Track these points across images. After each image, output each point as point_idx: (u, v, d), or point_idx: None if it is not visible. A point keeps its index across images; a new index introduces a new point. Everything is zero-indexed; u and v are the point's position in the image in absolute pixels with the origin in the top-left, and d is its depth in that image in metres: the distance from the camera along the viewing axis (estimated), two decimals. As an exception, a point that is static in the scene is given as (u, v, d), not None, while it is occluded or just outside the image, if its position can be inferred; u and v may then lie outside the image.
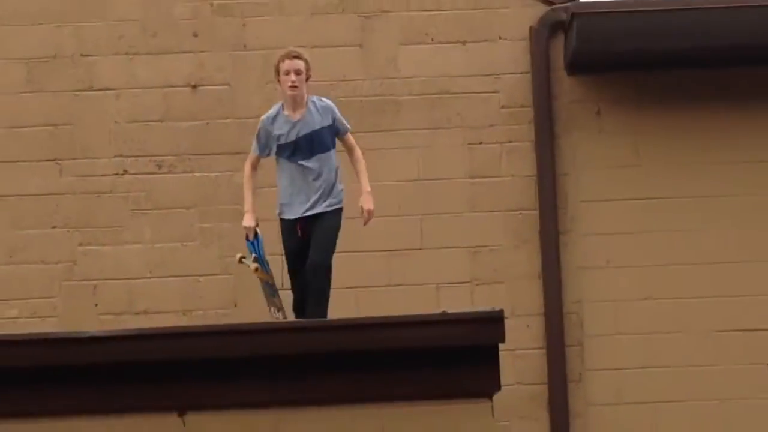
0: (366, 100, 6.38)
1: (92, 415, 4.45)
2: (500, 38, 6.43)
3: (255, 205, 5.28)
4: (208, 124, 6.46)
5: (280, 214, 5.25)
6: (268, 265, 5.48)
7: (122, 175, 6.30)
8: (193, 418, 4.44)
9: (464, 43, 6.44)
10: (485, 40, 6.45)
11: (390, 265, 6.31)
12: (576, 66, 6.40)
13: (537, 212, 6.37)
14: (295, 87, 5.16)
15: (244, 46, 6.56)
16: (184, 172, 6.11)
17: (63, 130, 6.33)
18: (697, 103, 6.46)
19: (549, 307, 6.26)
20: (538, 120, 6.42)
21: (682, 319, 6.22)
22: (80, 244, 6.24)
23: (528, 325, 6.15)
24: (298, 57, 5.22)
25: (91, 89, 6.38)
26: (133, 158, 6.34)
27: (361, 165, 5.38)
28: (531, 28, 6.43)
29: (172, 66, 6.33)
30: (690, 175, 6.42)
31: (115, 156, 6.32)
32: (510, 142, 6.44)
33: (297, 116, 5.21)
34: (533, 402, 6.17)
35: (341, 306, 5.71)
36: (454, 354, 4.45)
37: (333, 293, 5.86)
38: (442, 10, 6.44)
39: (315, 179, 5.23)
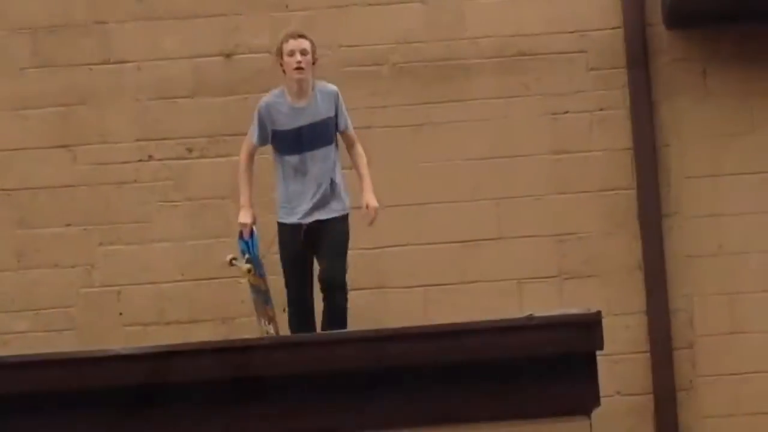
0: (430, 66, 6.22)
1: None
2: (584, -12, 6.35)
3: (252, 200, 5.29)
4: (246, 98, 6.05)
5: (279, 218, 5.23)
6: (263, 268, 5.39)
7: (147, 161, 6.09)
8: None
9: (544, -7, 6.36)
10: (568, -8, 6.23)
11: (463, 259, 6.08)
12: (676, 18, 6.19)
13: (634, 192, 6.13)
14: (302, 69, 5.14)
15: (286, 7, 6.39)
16: (218, 156, 5.85)
17: (76, 111, 6.09)
18: None
19: (652, 304, 6.02)
20: (633, 83, 6.23)
21: (811, 314, 6.08)
22: (100, 244, 6.03)
23: (627, 326, 5.93)
24: (303, 36, 5.24)
25: (107, 62, 6.16)
26: (158, 141, 6.11)
27: (363, 160, 5.39)
28: (624, -22, 6.46)
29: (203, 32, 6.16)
30: None
31: (137, 140, 6.11)
32: (600, 110, 6.18)
33: (301, 103, 5.22)
34: (636, 415, 5.93)
35: (408, 308, 5.90)
36: (544, 364, 4.46)
37: (399, 293, 6.12)
38: (516, -46, 6.45)
39: (316, 175, 5.20)
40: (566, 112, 6.18)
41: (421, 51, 6.26)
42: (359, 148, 5.36)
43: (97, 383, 4.39)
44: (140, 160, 6.09)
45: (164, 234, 6.00)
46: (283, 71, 5.27)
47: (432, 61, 6.24)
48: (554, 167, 6.15)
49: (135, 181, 6.08)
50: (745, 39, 6.25)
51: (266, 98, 5.34)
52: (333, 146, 5.29)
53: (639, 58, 6.27)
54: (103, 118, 6.13)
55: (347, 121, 5.37)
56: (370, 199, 5.19)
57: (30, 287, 5.98)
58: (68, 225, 6.00)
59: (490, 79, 6.23)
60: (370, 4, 6.24)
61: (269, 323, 5.44)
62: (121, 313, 5.96)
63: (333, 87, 5.34)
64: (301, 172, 5.21)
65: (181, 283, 5.98)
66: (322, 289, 5.12)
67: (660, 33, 6.24)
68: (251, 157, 5.29)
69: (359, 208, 5.20)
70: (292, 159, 5.20)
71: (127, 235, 6.02)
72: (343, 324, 5.16)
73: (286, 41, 5.19)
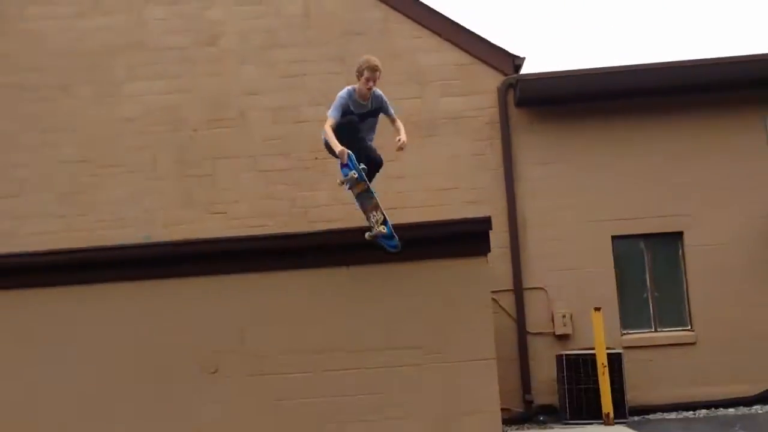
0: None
1: (290, 270, 6.36)
2: (484, 91, 10.04)
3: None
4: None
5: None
6: (362, 173, 5.95)
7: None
8: (356, 270, 6.29)
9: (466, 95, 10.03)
10: (477, 93, 10.04)
11: (437, 200, 9.63)
12: (522, 102, 9.76)
13: (502, 177, 9.69)
14: (371, 89, 6.25)
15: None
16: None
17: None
18: (593, 123, 9.71)
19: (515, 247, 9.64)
20: (503, 130, 9.84)
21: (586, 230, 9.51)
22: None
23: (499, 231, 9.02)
24: (378, 69, 6.18)
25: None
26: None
27: (401, 125, 6.47)
28: (498, 87, 9.96)
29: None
30: (587, 162, 9.64)
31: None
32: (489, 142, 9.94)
33: (364, 101, 6.30)
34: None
35: (414, 216, 8.43)
36: (469, 236, 6.63)
37: (413, 211, 9.19)
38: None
39: (364, 136, 6.35)
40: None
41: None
42: (399, 121, 6.49)
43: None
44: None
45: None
46: (358, 80, 6.20)
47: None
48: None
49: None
50: (556, 113, 9.67)
51: (346, 90, 6.21)
52: (374, 125, 6.46)
53: (504, 120, 9.74)
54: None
55: (392, 110, 6.42)
56: (403, 135, 6.29)
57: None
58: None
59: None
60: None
61: (376, 212, 6.00)
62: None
63: (380, 92, 6.39)
64: (354, 133, 6.17)
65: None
66: (366, 154, 6.07)
67: (513, 108, 9.76)
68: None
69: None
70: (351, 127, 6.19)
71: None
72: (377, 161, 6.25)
73: (369, 71, 6.10)
